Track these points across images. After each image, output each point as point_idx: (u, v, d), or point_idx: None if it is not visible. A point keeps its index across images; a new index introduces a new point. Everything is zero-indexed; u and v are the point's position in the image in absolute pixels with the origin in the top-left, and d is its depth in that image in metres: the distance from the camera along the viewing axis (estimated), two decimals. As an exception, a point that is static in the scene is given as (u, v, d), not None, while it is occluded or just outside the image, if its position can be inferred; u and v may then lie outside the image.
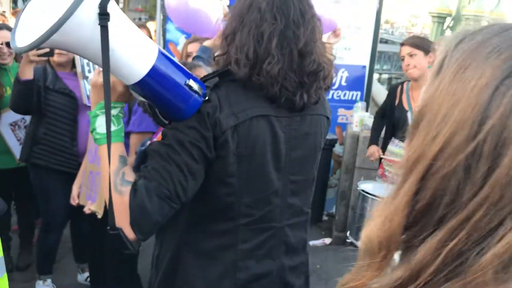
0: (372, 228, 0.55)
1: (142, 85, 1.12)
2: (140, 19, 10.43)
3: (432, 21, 14.87)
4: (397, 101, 3.15)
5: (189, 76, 1.17)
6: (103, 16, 0.98)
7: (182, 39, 4.42)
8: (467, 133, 0.45)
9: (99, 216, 2.14)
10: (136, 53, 1.10)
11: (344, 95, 4.73)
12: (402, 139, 3.06)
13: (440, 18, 14.34)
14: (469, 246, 0.45)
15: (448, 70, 0.49)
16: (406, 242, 0.51)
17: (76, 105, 2.73)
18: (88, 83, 2.78)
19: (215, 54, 1.31)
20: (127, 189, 1.12)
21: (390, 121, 3.25)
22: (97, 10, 0.98)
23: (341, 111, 4.77)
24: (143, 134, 2.23)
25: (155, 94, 1.15)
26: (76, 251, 3.18)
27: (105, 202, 1.98)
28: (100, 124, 1.17)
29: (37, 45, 0.95)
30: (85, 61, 2.79)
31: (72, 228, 3.12)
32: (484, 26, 0.51)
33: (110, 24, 1.00)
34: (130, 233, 1.12)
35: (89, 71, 2.80)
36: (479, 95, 0.45)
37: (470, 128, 0.45)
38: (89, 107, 2.70)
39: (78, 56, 2.72)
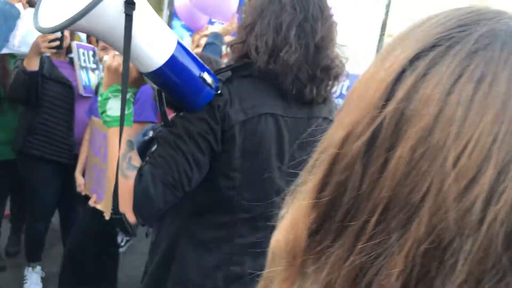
0: (281, 229, 0.48)
1: (158, 74, 1.13)
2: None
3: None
4: None
5: (203, 69, 1.18)
6: (130, 4, 0.99)
7: (187, 37, 4.44)
8: (369, 117, 0.38)
9: (107, 218, 2.14)
10: (156, 42, 1.10)
11: (344, 103, 4.76)
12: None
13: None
14: (370, 263, 0.37)
15: (379, 54, 0.43)
16: (312, 250, 0.42)
17: (73, 94, 2.73)
18: (83, 73, 2.79)
19: (232, 42, 1.32)
20: (132, 174, 1.14)
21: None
22: None
23: (340, 119, 4.80)
24: (143, 123, 2.24)
25: (169, 84, 1.15)
26: (65, 239, 3.19)
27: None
28: (111, 107, 1.18)
29: (62, 28, 0.96)
30: (81, 50, 2.79)
31: (62, 216, 3.12)
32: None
33: (135, 12, 1.00)
34: (131, 217, 1.14)
35: (84, 61, 2.79)
36: (388, 76, 0.38)
37: (371, 114, 0.38)
38: (85, 97, 2.74)
39: (75, 46, 2.73)
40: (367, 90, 0.40)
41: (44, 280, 3.03)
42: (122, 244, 3.60)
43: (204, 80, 1.15)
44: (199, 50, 2.67)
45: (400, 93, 0.37)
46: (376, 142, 0.38)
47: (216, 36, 2.45)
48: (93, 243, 2.47)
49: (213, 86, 1.18)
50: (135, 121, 2.36)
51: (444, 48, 0.37)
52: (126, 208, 1.13)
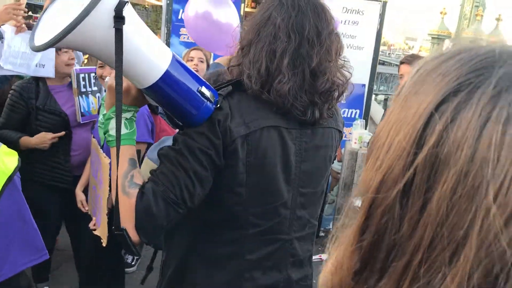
0: (325, 273, 0.50)
1: (155, 89, 1.14)
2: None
3: (431, 42, 15.09)
4: None
5: (202, 83, 1.18)
6: (118, 19, 0.99)
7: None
8: (403, 163, 0.41)
9: (104, 244, 2.14)
10: (150, 56, 1.11)
11: (343, 112, 4.79)
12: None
13: (439, 40, 14.56)
14: None
15: (400, 97, 0.45)
16: None
17: (68, 123, 2.73)
18: (82, 99, 2.79)
19: (230, 64, 1.31)
20: (134, 192, 1.13)
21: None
22: (112, 13, 0.99)
23: (340, 128, 4.82)
24: (138, 144, 2.25)
25: (168, 98, 1.16)
26: (76, 257, 3.18)
27: (108, 230, 2.00)
28: (113, 127, 1.19)
29: (52, 44, 0.97)
30: (82, 75, 2.79)
31: (70, 234, 3.11)
32: (447, 49, 0.47)
33: (125, 27, 1.02)
34: (134, 236, 1.13)
35: (84, 86, 2.79)
36: (416, 122, 0.41)
37: (406, 158, 0.41)
38: (82, 124, 2.75)
39: (74, 72, 2.74)
40: (397, 135, 0.42)
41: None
42: (133, 263, 3.59)
43: (202, 94, 1.16)
44: None
45: (431, 139, 0.39)
46: (413, 186, 0.40)
47: (216, 66, 2.47)
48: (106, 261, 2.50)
49: (212, 100, 1.17)
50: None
51: (466, 93, 0.40)
52: (129, 226, 1.12)
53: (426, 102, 0.41)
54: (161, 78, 1.11)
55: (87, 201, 2.60)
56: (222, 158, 1.18)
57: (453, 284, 0.37)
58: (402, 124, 0.42)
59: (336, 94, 1.28)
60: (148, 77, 1.11)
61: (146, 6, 10.78)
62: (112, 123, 1.19)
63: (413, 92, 0.44)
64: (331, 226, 4.52)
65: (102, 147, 2.16)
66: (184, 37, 4.57)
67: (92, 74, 2.86)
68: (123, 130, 1.18)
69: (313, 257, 4.59)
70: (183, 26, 4.51)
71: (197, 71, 3.02)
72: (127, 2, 1.01)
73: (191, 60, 3.20)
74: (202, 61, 3.20)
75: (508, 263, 0.36)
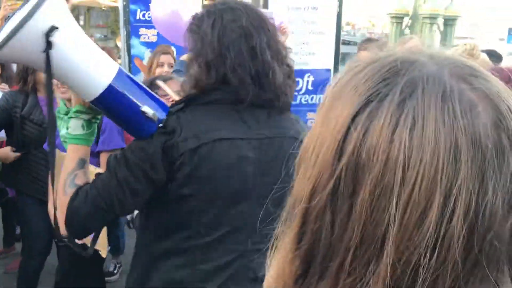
0: (269, 278, 0.53)
1: (96, 104, 1.18)
2: (105, 36, 10.28)
3: (391, 22, 15.30)
4: None
5: (148, 101, 1.20)
6: (47, 43, 1.04)
7: (147, 53, 4.42)
8: (329, 172, 0.45)
9: (103, 256, 2.11)
10: (90, 73, 1.14)
11: (312, 99, 4.82)
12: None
13: (398, 19, 14.76)
14: None
15: (321, 111, 0.49)
16: None
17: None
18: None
19: (201, 84, 1.27)
20: (71, 191, 1.21)
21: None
22: (43, 35, 1.03)
23: (310, 115, 4.85)
24: (114, 151, 2.24)
25: (111, 114, 1.21)
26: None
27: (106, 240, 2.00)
28: (70, 126, 1.25)
29: None
30: None
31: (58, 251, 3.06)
32: (361, 60, 0.50)
33: (64, 45, 1.07)
34: (64, 231, 1.21)
35: None
36: (337, 135, 0.45)
37: (331, 167, 0.45)
38: None
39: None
40: (321, 147, 0.46)
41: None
42: (115, 271, 3.55)
43: (143, 113, 1.18)
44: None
45: (349, 148, 0.44)
46: (338, 191, 0.44)
47: (182, 63, 2.46)
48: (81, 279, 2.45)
49: (155, 119, 1.19)
50: (106, 151, 2.36)
51: (376, 102, 0.44)
52: (61, 222, 1.20)
53: (343, 116, 0.45)
54: (101, 94, 1.15)
55: None
56: (161, 172, 1.20)
57: (380, 277, 0.41)
58: (324, 137, 0.46)
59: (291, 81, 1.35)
60: (90, 91, 1.15)
61: (103, 8, 10.54)
62: (71, 123, 1.25)
63: (331, 107, 0.48)
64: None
65: None
66: (144, 37, 4.50)
67: None
68: (80, 130, 1.25)
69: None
70: (143, 27, 4.44)
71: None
72: (57, 28, 1.04)
73: (161, 66, 3.14)
74: (172, 66, 3.14)
75: (427, 254, 0.40)
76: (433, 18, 13.90)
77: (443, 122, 0.41)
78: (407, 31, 14.36)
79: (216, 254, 1.29)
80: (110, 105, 1.18)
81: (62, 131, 1.27)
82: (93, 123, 1.28)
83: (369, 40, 3.31)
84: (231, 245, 1.31)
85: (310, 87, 4.78)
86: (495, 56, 3.33)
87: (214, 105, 1.24)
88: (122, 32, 4.51)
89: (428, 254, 0.40)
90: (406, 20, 14.71)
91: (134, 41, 4.51)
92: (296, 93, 4.58)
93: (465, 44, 2.72)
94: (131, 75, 1.24)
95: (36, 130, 2.69)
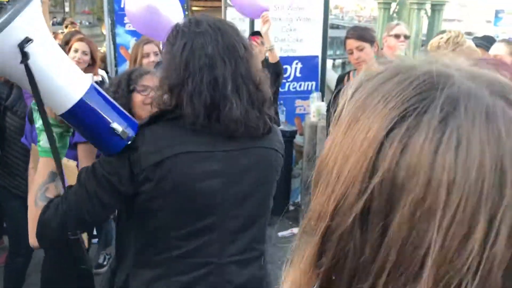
0: None
1: (68, 118, 1.19)
2: (90, 23, 10.13)
3: (378, 8, 15.24)
4: None
5: (118, 118, 1.22)
6: (23, 54, 1.05)
7: (132, 42, 4.35)
8: (357, 190, 0.42)
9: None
10: (62, 85, 1.16)
11: (300, 86, 4.80)
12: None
13: (386, 4, 14.72)
14: None
15: (341, 124, 0.46)
16: None
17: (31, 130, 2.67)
18: None
19: (157, 98, 1.28)
20: (42, 204, 1.23)
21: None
22: (16, 47, 1.04)
23: (298, 102, 4.84)
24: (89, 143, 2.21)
25: (81, 128, 1.23)
26: None
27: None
28: (42, 139, 1.25)
29: None
30: None
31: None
32: (382, 69, 0.48)
33: (38, 54, 1.08)
34: (34, 242, 1.25)
35: None
36: (367, 150, 0.42)
37: (360, 185, 0.42)
38: None
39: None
40: (346, 162, 0.43)
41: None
42: (105, 263, 3.55)
43: (113, 130, 1.19)
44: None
45: (385, 164, 0.41)
46: (371, 212, 0.42)
47: None
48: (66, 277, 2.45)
49: (124, 136, 1.20)
50: (82, 142, 2.32)
51: (413, 118, 0.41)
52: (32, 233, 1.24)
53: (374, 129, 0.42)
54: (71, 108, 1.16)
55: None
56: (127, 185, 1.22)
57: None
58: (349, 151, 0.44)
59: (271, 100, 1.32)
60: (60, 105, 1.17)
61: (88, -6, 10.36)
62: (41, 136, 1.25)
63: (356, 119, 0.45)
64: (299, 199, 4.59)
65: None
66: (129, 26, 4.42)
67: None
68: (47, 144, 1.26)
69: (285, 232, 4.67)
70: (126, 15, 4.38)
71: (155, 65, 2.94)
72: (31, 40, 1.04)
73: (147, 56, 3.08)
74: (157, 54, 3.09)
75: (468, 277, 0.39)
76: (420, 3, 13.88)
77: (488, 143, 0.39)
78: (394, 16, 14.33)
79: (189, 267, 1.29)
80: (80, 119, 1.19)
81: (38, 123, 1.25)
82: (65, 136, 1.29)
83: (355, 29, 3.26)
84: (204, 258, 1.30)
85: (298, 74, 4.76)
86: (490, 43, 3.27)
87: (178, 121, 1.24)
88: (107, 21, 4.44)
89: (470, 277, 0.39)
90: (394, 6, 14.68)
91: (119, 30, 4.45)
92: (284, 80, 4.56)
93: (449, 31, 2.69)
94: (103, 91, 1.25)
95: (18, 123, 2.63)
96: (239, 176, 1.29)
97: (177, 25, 1.28)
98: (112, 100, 1.25)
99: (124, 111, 1.26)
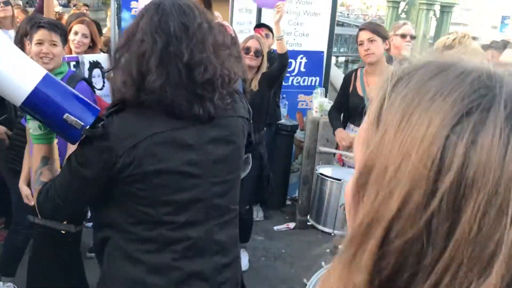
0: None
1: (26, 108, 1.25)
2: (98, 6, 10.07)
3: (387, 6, 15.17)
4: (351, 88, 3.22)
5: (74, 106, 1.26)
6: None
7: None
8: (424, 190, 0.41)
9: (72, 230, 2.11)
10: (14, 78, 1.21)
11: (304, 81, 4.78)
12: (357, 124, 3.14)
13: (395, 3, 14.66)
14: None
15: (390, 119, 0.44)
16: None
17: None
18: None
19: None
20: (39, 188, 1.37)
21: (345, 107, 3.31)
22: None
23: (301, 97, 4.83)
24: None
25: (40, 118, 1.27)
26: None
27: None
28: (31, 126, 1.35)
29: None
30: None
31: None
32: (418, 65, 0.47)
33: None
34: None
35: None
36: (431, 147, 0.41)
37: (426, 184, 0.41)
38: None
39: None
40: (404, 161, 0.42)
41: (16, 293, 2.95)
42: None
43: (65, 121, 1.23)
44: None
45: (456, 162, 0.40)
46: (440, 210, 0.41)
47: None
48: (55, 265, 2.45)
49: (78, 126, 1.24)
50: None
51: (478, 114, 0.41)
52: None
53: (435, 124, 0.41)
54: (26, 99, 1.22)
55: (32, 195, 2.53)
56: (102, 175, 1.28)
57: None
58: (408, 150, 0.42)
59: (221, 82, 1.33)
60: (16, 96, 1.23)
61: (95, -23, 10.30)
62: (31, 124, 1.34)
63: (408, 114, 0.43)
64: (297, 194, 4.59)
65: None
66: (135, 11, 4.40)
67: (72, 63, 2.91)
68: (38, 131, 1.35)
69: (281, 227, 4.67)
70: (134, -1, 4.34)
71: None
72: None
73: None
74: None
75: None
76: (430, 4, 13.81)
77: None
78: (403, 16, 14.26)
79: (182, 237, 1.36)
80: (36, 110, 1.24)
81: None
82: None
83: (371, 23, 3.29)
84: (194, 227, 1.38)
85: (302, 69, 4.74)
86: (504, 47, 3.24)
87: (146, 105, 1.29)
88: (113, 4, 4.40)
89: None
90: (403, 5, 14.61)
91: (125, 14, 4.41)
92: (288, 74, 4.54)
93: (456, 32, 2.70)
94: (61, 82, 1.29)
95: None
96: (213, 146, 1.37)
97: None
98: (70, 89, 1.30)
99: (85, 98, 1.31)
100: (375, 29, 3.02)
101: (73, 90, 1.30)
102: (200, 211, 1.38)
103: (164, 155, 1.29)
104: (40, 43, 2.34)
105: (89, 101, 1.30)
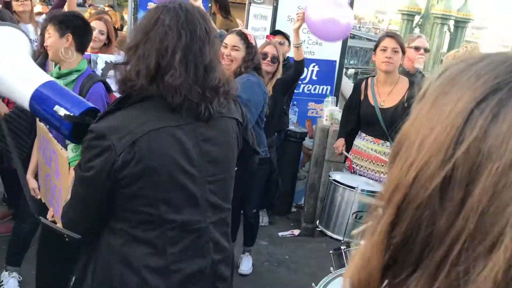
0: (352, 269, 0.51)
1: (32, 111, 1.41)
2: (112, 6, 10.14)
3: (402, 19, 15.19)
4: (362, 96, 3.22)
5: (66, 101, 1.39)
6: None
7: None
8: (441, 158, 0.42)
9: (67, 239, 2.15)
10: (15, 85, 1.36)
11: (315, 89, 4.80)
12: (368, 133, 3.14)
13: (409, 16, 14.65)
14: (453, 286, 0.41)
15: (428, 98, 0.47)
16: (388, 283, 0.47)
17: None
18: None
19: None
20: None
21: (356, 116, 3.32)
22: None
23: (311, 105, 4.84)
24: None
25: (43, 119, 1.42)
26: None
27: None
28: (69, 153, 1.50)
29: None
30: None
31: None
32: (469, 56, 0.49)
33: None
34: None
35: None
36: (455, 119, 0.43)
37: (444, 153, 0.42)
38: None
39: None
40: (430, 132, 0.44)
41: (21, 284, 2.96)
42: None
43: (56, 112, 1.35)
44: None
45: (473, 133, 0.41)
46: (452, 180, 0.42)
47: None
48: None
49: (68, 120, 1.34)
50: None
51: (506, 91, 0.42)
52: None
53: (464, 100, 0.43)
54: (30, 102, 1.38)
55: (39, 188, 2.52)
56: (105, 178, 1.27)
57: (493, 272, 0.39)
58: (436, 122, 0.44)
59: (222, 91, 1.39)
60: (22, 101, 1.38)
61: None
62: (68, 149, 1.51)
63: (444, 93, 0.46)
64: (302, 202, 4.59)
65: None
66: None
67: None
68: (71, 154, 1.49)
69: (285, 233, 4.66)
70: (151, 0, 4.39)
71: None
72: None
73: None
74: None
75: None
76: (444, 18, 13.80)
77: None
78: (417, 29, 14.26)
79: (182, 236, 1.37)
80: (38, 111, 1.38)
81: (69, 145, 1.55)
82: (79, 145, 1.44)
83: (396, 33, 3.32)
84: (193, 225, 1.39)
85: (314, 77, 4.76)
86: None
87: (146, 101, 1.32)
88: (130, 4, 4.46)
89: None
90: (417, 19, 14.61)
91: (141, 15, 4.46)
92: (299, 82, 4.55)
93: (466, 46, 2.72)
94: (59, 84, 1.45)
95: None
96: (209, 145, 1.40)
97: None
98: (67, 89, 1.44)
99: (79, 97, 1.43)
100: (401, 41, 3.07)
101: (69, 91, 1.47)
102: (197, 209, 1.40)
103: (162, 151, 1.30)
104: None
105: (80, 98, 1.44)
